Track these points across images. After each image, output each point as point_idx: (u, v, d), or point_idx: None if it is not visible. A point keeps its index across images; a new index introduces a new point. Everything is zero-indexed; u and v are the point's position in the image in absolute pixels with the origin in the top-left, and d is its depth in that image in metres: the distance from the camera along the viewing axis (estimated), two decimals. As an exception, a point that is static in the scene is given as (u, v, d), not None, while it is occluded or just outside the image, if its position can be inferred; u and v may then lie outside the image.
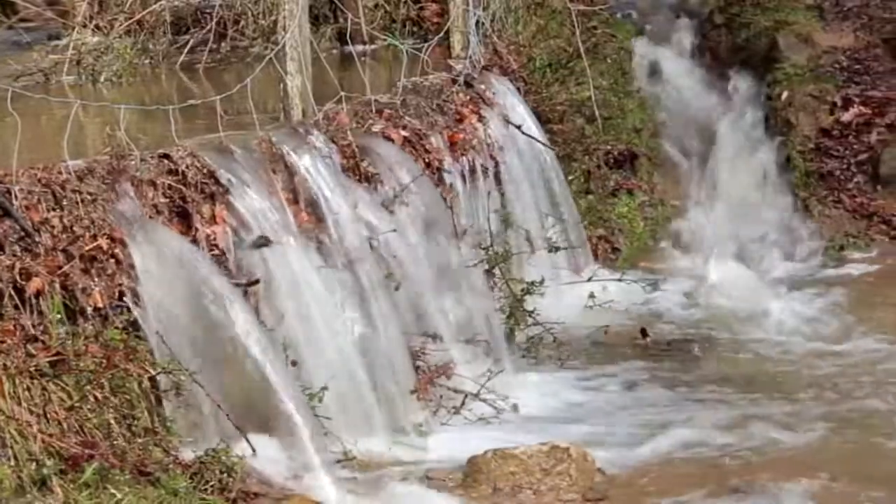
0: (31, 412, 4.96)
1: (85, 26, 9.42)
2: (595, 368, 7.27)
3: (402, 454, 6.04)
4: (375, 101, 7.32)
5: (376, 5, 9.73)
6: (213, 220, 5.90)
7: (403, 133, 7.25)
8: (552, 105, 9.15)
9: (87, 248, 5.37)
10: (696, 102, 10.62)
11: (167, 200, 5.84)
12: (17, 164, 5.36)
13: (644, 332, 7.76)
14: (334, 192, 6.44)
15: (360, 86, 7.37)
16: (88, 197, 5.48)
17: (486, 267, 7.47)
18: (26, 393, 4.98)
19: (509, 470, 5.71)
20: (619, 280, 8.31)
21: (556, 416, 6.62)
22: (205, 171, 5.97)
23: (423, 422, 6.31)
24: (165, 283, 5.53)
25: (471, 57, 8.46)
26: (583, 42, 9.11)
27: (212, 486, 5.23)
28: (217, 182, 5.98)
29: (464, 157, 7.77)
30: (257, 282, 5.92)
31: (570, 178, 9.06)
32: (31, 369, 5.03)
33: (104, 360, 5.20)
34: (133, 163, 5.79)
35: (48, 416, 5.01)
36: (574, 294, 8.15)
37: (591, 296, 8.02)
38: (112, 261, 5.45)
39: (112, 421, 5.17)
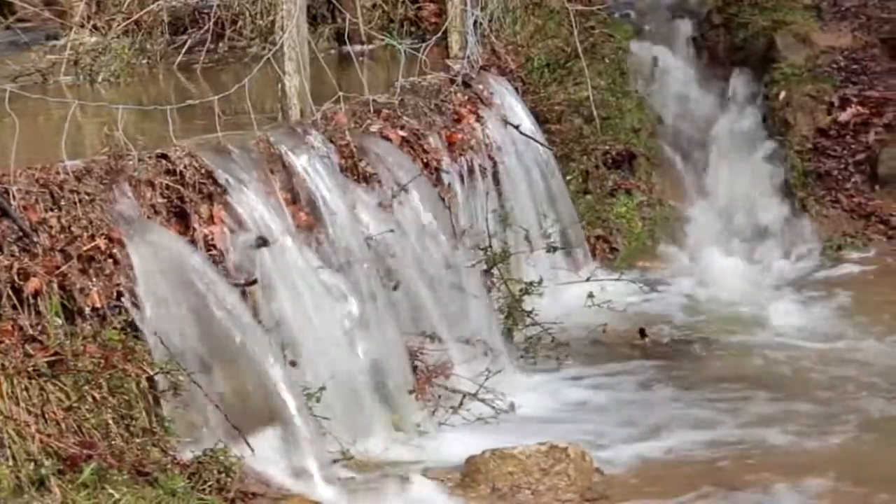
0: (30, 412, 4.96)
1: (83, 26, 9.42)
2: (593, 368, 7.27)
3: (400, 454, 6.04)
4: (373, 101, 7.32)
5: (374, 5, 9.74)
6: (211, 220, 5.89)
7: (401, 133, 7.25)
8: (550, 105, 9.15)
9: (85, 248, 5.37)
10: (695, 102, 10.62)
11: (165, 200, 5.84)
12: (15, 164, 5.36)
13: (642, 332, 7.77)
14: (332, 192, 6.44)
15: (358, 86, 7.37)
16: (86, 197, 5.48)
17: (485, 267, 7.47)
18: (24, 393, 4.98)
19: (508, 470, 5.71)
20: (618, 280, 8.31)
21: (554, 416, 6.62)
22: (203, 171, 5.97)
23: (422, 422, 6.30)
24: (163, 284, 5.53)
25: (469, 57, 8.46)
26: (581, 42, 9.12)
27: (210, 486, 5.23)
28: (215, 182, 5.98)
29: (462, 157, 7.77)
30: (255, 282, 5.92)
31: (568, 178, 9.06)
32: (30, 369, 5.03)
33: (102, 361, 5.20)
34: (131, 163, 5.78)
35: (46, 416, 5.00)
36: (572, 294, 8.15)
37: (590, 296, 8.02)
38: (110, 261, 5.45)
39: (110, 421, 5.17)
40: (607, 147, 9.56)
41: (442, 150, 7.55)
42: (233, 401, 5.57)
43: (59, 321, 5.24)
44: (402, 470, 5.87)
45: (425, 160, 7.35)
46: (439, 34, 8.68)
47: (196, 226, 5.85)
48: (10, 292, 5.15)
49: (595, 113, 9.22)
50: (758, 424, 6.39)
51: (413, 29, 9.70)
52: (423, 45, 8.11)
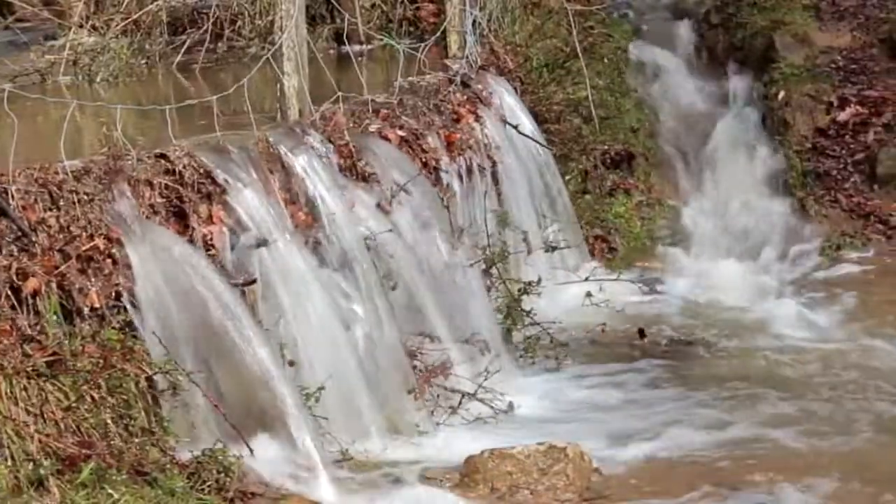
0: (28, 412, 4.96)
1: (81, 26, 9.42)
2: (592, 368, 7.27)
3: (399, 454, 6.04)
4: (372, 100, 7.32)
5: (373, 5, 9.74)
6: (209, 219, 5.89)
7: (400, 133, 7.25)
8: (549, 105, 9.16)
9: (83, 248, 5.37)
10: (693, 102, 10.63)
11: (164, 200, 5.84)
12: (14, 164, 5.36)
13: (641, 332, 7.76)
14: (331, 192, 6.44)
15: (357, 86, 7.37)
16: (85, 197, 5.48)
17: (484, 267, 7.47)
18: (23, 393, 4.97)
19: (506, 470, 5.71)
20: (616, 280, 8.31)
21: (553, 416, 6.62)
22: (202, 170, 5.97)
23: (420, 422, 6.30)
24: (162, 284, 5.53)
25: (467, 57, 8.46)
26: (579, 42, 9.12)
27: (209, 485, 5.22)
28: (214, 182, 5.98)
29: (461, 157, 7.77)
30: (254, 281, 5.92)
31: (567, 177, 9.06)
32: (28, 369, 5.03)
33: (101, 361, 5.20)
34: (130, 163, 5.78)
35: (45, 416, 5.00)
36: (571, 294, 8.15)
37: (588, 295, 8.02)
38: (109, 261, 5.45)
39: (109, 421, 5.17)
40: (606, 147, 9.57)
41: (441, 150, 7.55)
42: (232, 401, 5.57)
43: (58, 321, 5.24)
44: (401, 470, 5.86)
45: (424, 160, 7.35)
46: (438, 34, 8.69)
47: (195, 225, 5.85)
48: (9, 292, 5.15)
49: (594, 113, 9.22)
50: (757, 424, 6.38)
51: (412, 29, 9.70)
52: (422, 45, 8.10)
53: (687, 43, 11.07)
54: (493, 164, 8.14)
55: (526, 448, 5.77)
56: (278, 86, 6.79)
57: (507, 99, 8.58)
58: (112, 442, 5.10)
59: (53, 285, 5.25)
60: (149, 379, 5.38)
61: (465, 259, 7.14)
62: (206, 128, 6.33)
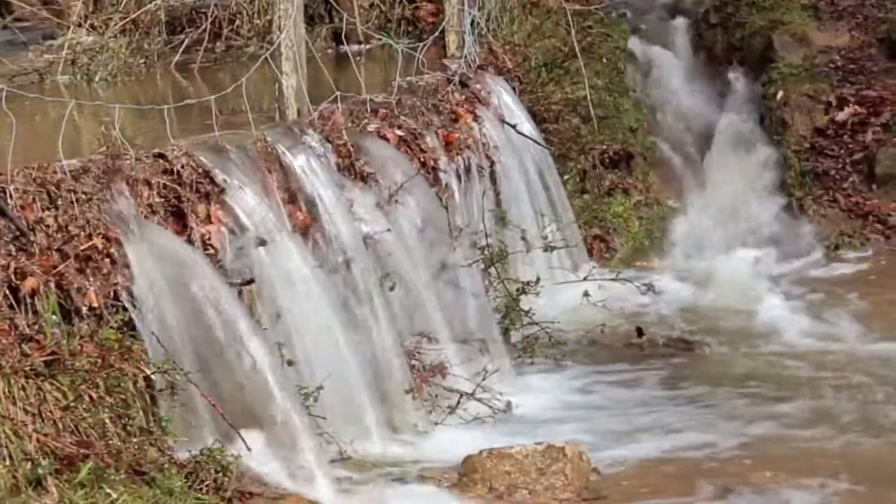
0: (27, 412, 4.95)
1: (80, 26, 9.42)
2: (591, 368, 7.27)
3: (397, 454, 6.04)
4: (371, 100, 7.32)
5: (371, 5, 9.75)
6: (208, 219, 5.89)
7: (399, 132, 7.25)
8: (547, 104, 9.16)
9: (82, 247, 5.36)
10: (692, 102, 10.63)
11: (162, 200, 5.83)
12: (12, 163, 5.36)
13: (640, 332, 7.77)
14: (329, 192, 6.44)
15: (356, 85, 7.37)
16: (83, 196, 5.48)
17: (482, 266, 7.47)
18: (21, 392, 4.97)
19: (505, 469, 5.70)
20: (615, 279, 8.30)
21: (551, 416, 6.62)
22: (200, 170, 5.96)
23: (419, 421, 6.30)
24: (160, 283, 5.53)
25: (466, 56, 8.46)
26: (578, 41, 9.12)
27: (207, 485, 5.22)
28: (212, 181, 5.97)
29: (459, 157, 7.77)
30: (252, 281, 5.92)
31: (565, 177, 9.07)
32: (27, 369, 5.03)
33: (99, 360, 5.20)
34: (128, 162, 5.78)
35: (43, 415, 5.00)
36: (570, 293, 8.15)
37: (587, 295, 8.01)
38: (107, 260, 5.45)
39: (107, 420, 5.16)
40: (604, 146, 9.57)
41: (439, 150, 7.55)
42: (230, 400, 5.56)
43: (56, 320, 5.24)
44: (399, 469, 5.87)
45: (422, 159, 7.35)
46: (436, 34, 8.69)
47: (193, 225, 5.85)
48: (7, 292, 5.15)
49: (592, 112, 9.22)
50: (756, 424, 6.38)
51: (410, 28, 9.71)
52: (421, 44, 8.10)
53: (685, 43, 11.07)
54: (492, 163, 8.14)
55: (524, 448, 5.77)
56: (277, 85, 6.78)
57: (505, 98, 8.58)
58: (110, 441, 5.10)
59: (52, 285, 5.25)
60: (147, 378, 5.38)
61: (463, 259, 7.14)
62: (205, 127, 6.32)
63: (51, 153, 5.58)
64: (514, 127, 8.38)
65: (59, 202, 5.41)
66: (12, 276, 5.16)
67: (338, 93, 6.95)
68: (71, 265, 5.32)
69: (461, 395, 6.54)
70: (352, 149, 6.79)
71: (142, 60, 9.16)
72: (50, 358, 5.12)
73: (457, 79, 8.18)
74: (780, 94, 10.12)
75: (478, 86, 8.39)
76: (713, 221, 9.76)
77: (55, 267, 5.27)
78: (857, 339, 7.58)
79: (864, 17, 10.70)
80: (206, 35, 9.11)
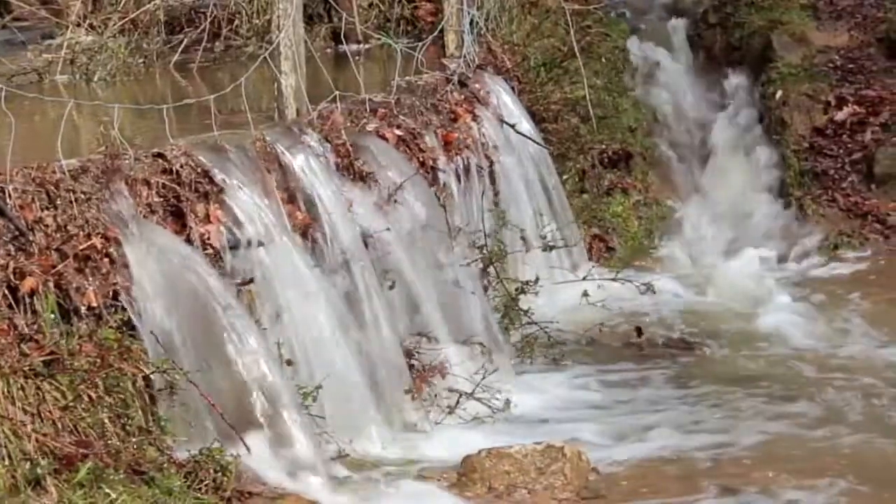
0: (26, 412, 4.95)
1: (79, 25, 9.42)
2: (590, 367, 7.27)
3: (396, 453, 6.04)
4: (370, 100, 7.32)
5: (370, 4, 9.75)
6: (207, 219, 5.89)
7: (398, 132, 7.25)
8: (546, 104, 9.15)
9: (81, 247, 5.36)
10: (691, 102, 10.64)
11: (161, 199, 5.83)
12: (11, 163, 5.36)
13: (639, 331, 7.77)
14: (329, 192, 6.43)
15: (355, 85, 7.37)
16: (82, 196, 5.48)
17: (481, 266, 7.46)
18: (20, 392, 4.97)
19: (504, 469, 5.70)
20: (614, 279, 8.30)
21: (550, 416, 6.62)
22: (199, 170, 5.96)
23: (418, 421, 6.30)
24: (160, 283, 5.52)
25: (465, 56, 8.46)
26: (577, 41, 9.12)
27: (206, 485, 5.22)
28: (211, 181, 5.97)
29: (458, 157, 7.77)
30: (251, 281, 5.92)
31: (564, 177, 9.06)
32: (25, 369, 5.02)
33: (98, 360, 5.20)
34: (127, 162, 5.78)
35: (42, 415, 5.00)
36: (569, 293, 8.14)
37: (586, 295, 8.01)
38: (106, 260, 5.45)
39: (106, 420, 5.16)
40: (604, 146, 9.57)
41: (438, 150, 7.55)
42: (229, 400, 5.56)
43: (55, 320, 5.23)
44: (399, 469, 5.87)
45: (421, 159, 7.35)
46: (436, 33, 8.68)
47: (192, 225, 5.84)
48: (6, 291, 5.14)
49: (591, 112, 9.21)
50: (755, 424, 6.38)
51: (409, 28, 9.71)
52: (420, 44, 8.10)
53: (684, 42, 11.08)
54: (491, 163, 8.14)
55: (523, 447, 5.77)
56: (276, 85, 6.78)
57: (504, 98, 8.57)
58: (109, 441, 5.10)
59: (51, 284, 5.25)
60: (146, 378, 5.38)
61: (462, 258, 7.14)
62: (204, 127, 6.32)
63: (50, 153, 5.57)
64: (513, 126, 8.38)
65: (58, 202, 5.41)
66: (11, 276, 5.16)
67: (337, 92, 6.94)
68: (70, 265, 5.31)
69: (460, 395, 6.53)
70: (351, 148, 6.79)
71: (141, 60, 9.15)
72: (49, 358, 5.12)
73: (456, 78, 8.18)
74: (779, 94, 10.12)
75: (477, 85, 8.39)
76: (712, 221, 9.77)
77: (54, 266, 5.27)
78: (857, 338, 7.58)
79: (863, 16, 10.71)
80: (205, 35, 9.10)
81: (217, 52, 9.34)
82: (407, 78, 7.82)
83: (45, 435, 4.92)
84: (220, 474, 5.25)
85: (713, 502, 5.62)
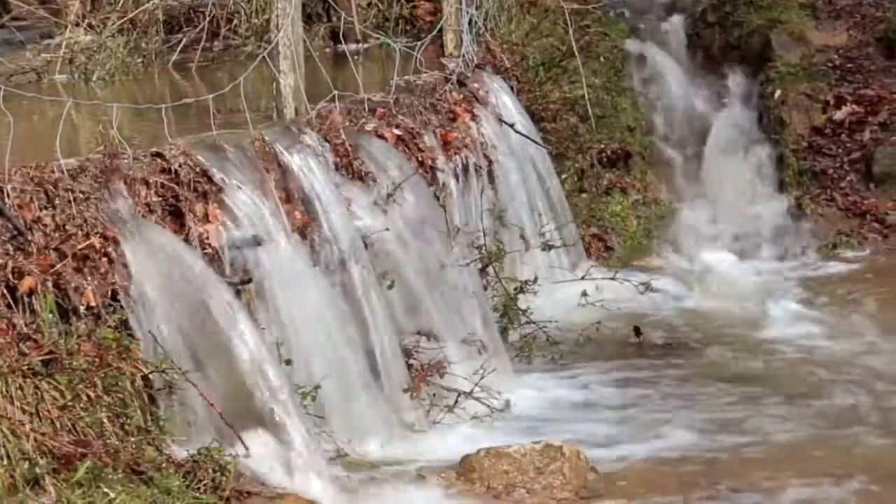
0: (24, 411, 4.95)
1: (77, 25, 9.41)
2: (588, 367, 7.27)
3: (395, 453, 6.04)
4: (368, 99, 7.32)
5: (369, 4, 9.74)
6: (205, 218, 5.88)
7: (396, 132, 7.25)
8: (545, 103, 9.15)
9: (79, 246, 5.36)
10: (689, 101, 10.64)
11: (160, 199, 5.83)
12: (10, 162, 5.35)
13: (637, 331, 7.77)
14: (327, 191, 6.43)
15: (354, 84, 7.37)
16: (81, 195, 5.47)
17: (480, 265, 7.46)
18: (19, 392, 4.97)
19: (503, 468, 5.70)
20: (613, 279, 8.30)
21: (549, 415, 6.61)
22: (198, 169, 5.96)
23: (417, 420, 6.30)
24: (158, 282, 5.52)
25: (464, 55, 8.46)
26: (576, 40, 9.11)
27: (205, 484, 5.21)
28: (210, 181, 5.97)
29: (457, 156, 7.77)
30: (250, 280, 5.91)
31: (563, 176, 9.06)
32: (24, 368, 5.02)
33: (97, 359, 5.19)
34: (126, 161, 5.78)
35: (41, 414, 5.00)
36: (567, 293, 8.15)
37: (585, 294, 8.01)
38: (105, 259, 5.44)
39: (105, 420, 5.16)
40: (602, 146, 9.57)
41: (437, 149, 7.55)
42: (228, 399, 5.56)
43: (54, 319, 5.23)
44: (398, 469, 5.87)
45: (420, 159, 7.35)
46: (434, 33, 8.68)
47: (191, 224, 5.84)
48: (5, 291, 5.14)
49: (590, 111, 9.20)
50: (754, 424, 6.38)
51: (408, 27, 9.71)
52: (419, 43, 8.10)
53: (683, 41, 11.08)
54: (490, 162, 8.14)
55: (522, 447, 5.77)
56: (274, 84, 6.78)
57: (503, 98, 8.57)
58: (108, 441, 5.09)
59: (49, 284, 5.24)
60: (145, 378, 5.38)
61: (461, 258, 7.14)
62: (203, 126, 6.32)
63: (48, 152, 5.57)
64: (512, 126, 8.38)
65: (57, 201, 5.41)
66: (10, 276, 5.16)
67: (335, 92, 6.94)
68: (68, 264, 5.31)
69: (459, 394, 6.53)
70: (350, 148, 6.79)
71: (139, 59, 9.15)
72: (47, 357, 5.12)
73: (455, 78, 8.18)
74: (777, 93, 10.13)
75: (476, 85, 8.39)
76: (711, 220, 9.77)
77: (53, 266, 5.27)
78: (857, 337, 7.57)
79: (862, 16, 10.71)
80: (204, 34, 9.08)
81: (216, 51, 9.33)
82: (406, 77, 7.82)
83: (43, 434, 4.92)
84: (218, 474, 5.25)
85: (713, 502, 5.62)
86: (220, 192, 5.97)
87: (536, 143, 8.61)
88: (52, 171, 5.47)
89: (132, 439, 5.19)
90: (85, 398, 5.13)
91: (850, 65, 10.27)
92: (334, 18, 9.51)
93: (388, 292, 6.52)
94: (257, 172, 6.19)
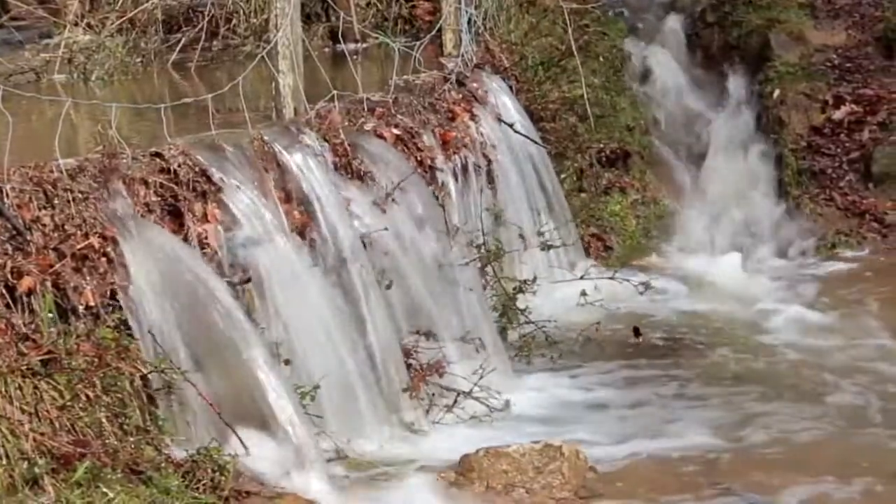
0: (23, 411, 4.95)
1: (76, 25, 9.41)
2: (587, 367, 7.27)
3: (394, 452, 6.04)
4: (367, 99, 7.32)
5: (368, 3, 9.74)
6: (205, 218, 5.88)
7: (396, 131, 7.25)
8: (544, 103, 9.15)
9: (78, 246, 5.36)
10: (688, 101, 10.64)
11: (159, 199, 5.83)
12: (9, 162, 5.35)
13: (636, 331, 7.76)
14: (326, 191, 6.43)
15: (353, 84, 7.37)
16: (80, 195, 5.47)
17: (479, 265, 7.46)
18: (18, 392, 4.97)
19: (502, 468, 5.70)
20: (612, 278, 8.30)
21: (548, 415, 6.61)
22: (197, 169, 5.96)
23: (416, 420, 6.30)
24: (157, 282, 5.52)
25: (463, 55, 8.46)
26: (575, 40, 9.11)
27: (204, 484, 5.21)
28: (209, 180, 5.97)
29: (456, 156, 7.77)
30: (249, 280, 5.91)
31: (562, 176, 9.06)
32: (23, 368, 5.02)
33: (96, 359, 5.19)
34: (125, 161, 5.78)
35: (40, 414, 4.99)
36: (566, 292, 8.14)
37: (584, 294, 8.01)
38: (104, 259, 5.44)
39: (104, 420, 5.16)
40: (601, 145, 9.57)
41: (436, 149, 7.55)
42: (227, 399, 5.56)
43: (53, 319, 5.23)
44: (397, 468, 5.86)
45: (419, 158, 7.34)
46: (433, 32, 8.68)
47: (190, 224, 5.84)
48: (4, 291, 5.14)
49: (589, 111, 9.20)
50: (754, 423, 6.38)
51: (407, 27, 9.70)
52: (418, 43, 8.10)
53: (682, 41, 11.08)
54: (489, 162, 8.14)
55: (521, 446, 5.76)
56: (273, 84, 6.78)
57: (502, 97, 8.57)
58: (107, 441, 5.09)
59: (48, 284, 5.24)
60: (144, 377, 5.38)
61: (460, 257, 7.13)
62: (202, 126, 6.32)
63: (47, 152, 5.57)
64: (511, 126, 8.37)
65: (56, 201, 5.41)
66: (9, 275, 5.16)
67: (335, 91, 6.94)
68: (67, 264, 5.31)
69: (458, 394, 6.53)
70: (349, 147, 6.79)
71: (138, 59, 9.14)
72: (46, 357, 5.11)
73: (454, 77, 8.18)
74: (776, 93, 10.13)
75: (475, 84, 8.39)
76: (710, 220, 9.77)
77: (52, 266, 5.27)
78: (857, 337, 7.57)
79: (861, 15, 10.71)
80: (203, 34, 9.08)
81: (215, 51, 9.33)
82: (405, 77, 7.81)
83: (42, 434, 4.92)
84: (217, 474, 5.25)
85: (712, 502, 5.62)
86: (219, 191, 5.97)
87: (535, 142, 8.60)
88: (51, 171, 5.47)
89: (131, 439, 5.19)
90: (84, 398, 5.13)
91: (848, 64, 10.27)
92: (333, 18, 9.50)
93: (387, 292, 6.52)
94: (256, 172, 6.19)
